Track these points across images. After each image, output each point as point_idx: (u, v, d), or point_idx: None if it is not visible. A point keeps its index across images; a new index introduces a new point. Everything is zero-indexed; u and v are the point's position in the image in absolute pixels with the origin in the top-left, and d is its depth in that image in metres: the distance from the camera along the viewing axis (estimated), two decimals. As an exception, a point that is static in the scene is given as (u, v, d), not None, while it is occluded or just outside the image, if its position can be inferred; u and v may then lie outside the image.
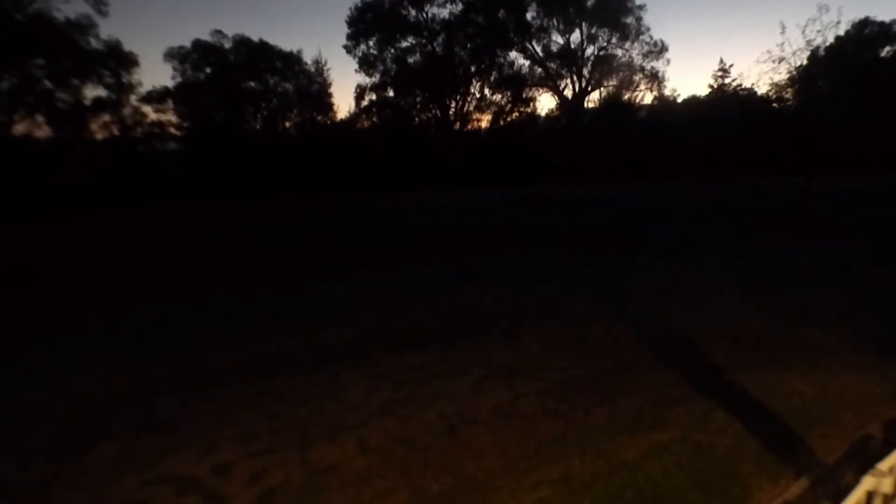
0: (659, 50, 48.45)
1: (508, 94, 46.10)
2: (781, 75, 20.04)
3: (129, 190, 37.78)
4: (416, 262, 13.33)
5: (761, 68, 45.60)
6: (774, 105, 21.95)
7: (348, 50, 45.30)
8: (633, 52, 48.51)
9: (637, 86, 48.69)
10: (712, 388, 6.21)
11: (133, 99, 38.18)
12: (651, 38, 50.05)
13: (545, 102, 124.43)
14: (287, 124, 43.10)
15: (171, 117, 40.24)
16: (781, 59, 19.31)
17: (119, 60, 36.16)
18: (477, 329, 8.13)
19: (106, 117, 37.22)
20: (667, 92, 50.66)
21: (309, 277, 11.93)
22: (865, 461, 4.73)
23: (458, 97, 45.73)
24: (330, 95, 43.34)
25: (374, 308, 9.35)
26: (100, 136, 37.62)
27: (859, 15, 53.39)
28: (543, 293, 9.95)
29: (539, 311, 8.97)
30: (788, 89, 20.19)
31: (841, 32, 23.19)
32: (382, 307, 9.41)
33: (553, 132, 47.67)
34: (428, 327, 8.22)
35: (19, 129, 34.17)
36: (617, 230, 17.85)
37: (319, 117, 43.27)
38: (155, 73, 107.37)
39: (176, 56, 40.68)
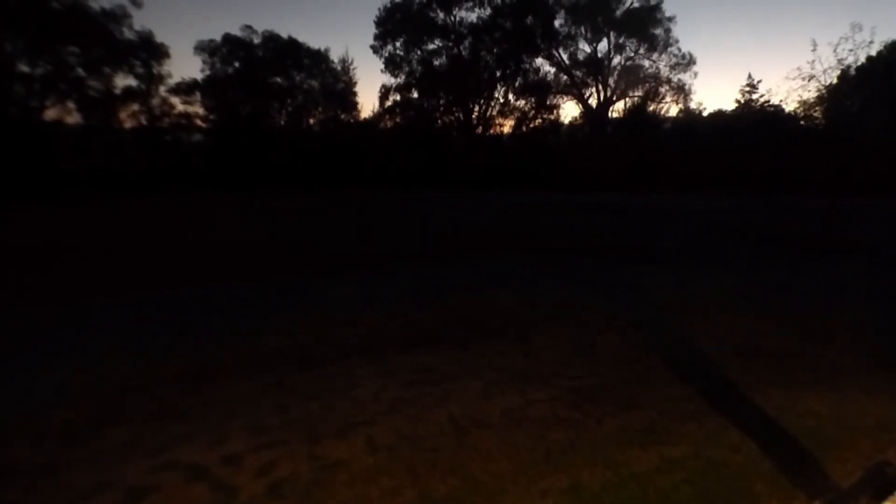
0: (687, 62, 48.05)
1: (532, 100, 45.96)
2: (811, 93, 19.78)
3: (153, 178, 38.29)
4: (433, 262, 13.22)
5: (790, 85, 45.10)
6: (802, 122, 21.65)
7: (375, 50, 45.54)
8: (661, 64, 48.32)
9: (663, 97, 48.34)
10: (726, 405, 6.07)
11: (162, 90, 38.92)
12: (679, 50, 49.68)
13: (569, 110, 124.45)
14: (311, 121, 43.53)
15: (198, 109, 41.03)
16: (811, 77, 19.07)
17: (150, 51, 36.64)
18: (490, 331, 8.05)
19: (135, 106, 37.94)
20: (692, 105, 50.30)
21: (325, 273, 11.87)
22: (881, 488, 4.62)
23: (482, 101, 45.64)
24: (355, 94, 43.87)
25: (388, 306, 9.32)
26: (128, 124, 38.40)
27: (893, 36, 52.51)
28: (558, 298, 9.80)
29: (553, 316, 8.85)
30: (817, 107, 19.91)
31: (873, 52, 22.83)
32: (396, 305, 9.37)
33: (575, 140, 47.41)
34: (441, 327, 8.13)
35: (50, 114, 34.77)
36: (635, 239, 17.60)
37: (343, 115, 43.57)
38: (184, 65, 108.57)
39: (206, 49, 41.14)
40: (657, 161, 46.73)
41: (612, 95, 48.32)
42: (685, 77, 56.85)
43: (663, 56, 47.92)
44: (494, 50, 44.99)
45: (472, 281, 11.17)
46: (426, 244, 16.01)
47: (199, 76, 42.47)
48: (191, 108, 40.77)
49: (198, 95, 40.99)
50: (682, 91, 49.10)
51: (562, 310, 9.14)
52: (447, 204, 28.63)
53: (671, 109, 49.83)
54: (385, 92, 44.84)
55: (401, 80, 44.56)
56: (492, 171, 44.53)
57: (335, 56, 49.22)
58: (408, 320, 8.52)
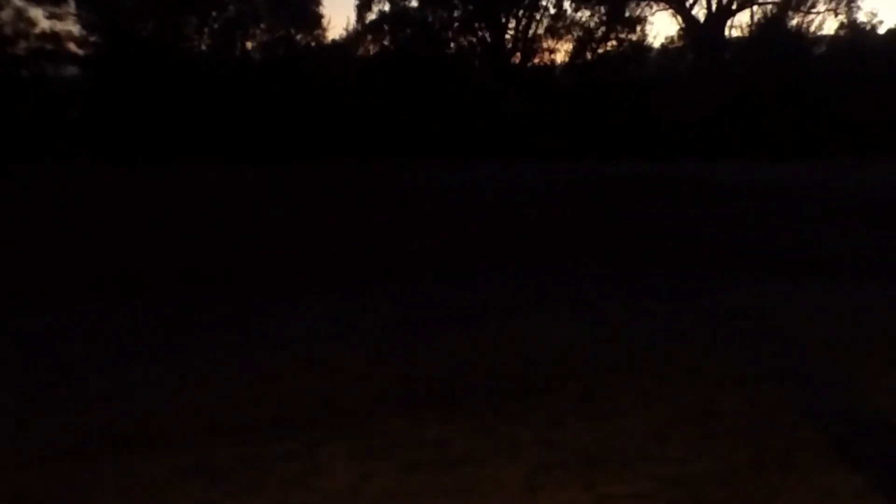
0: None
1: (601, 9, 30.70)
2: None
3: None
4: (443, 271, 9.99)
5: None
6: None
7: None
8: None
9: (813, 4, 31.77)
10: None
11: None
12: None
13: (660, 26, 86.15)
14: (249, 45, 29.57)
15: (71, 27, 27.59)
16: None
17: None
18: (534, 385, 5.63)
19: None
20: (861, 17, 32.90)
21: (273, 289, 8.95)
22: None
23: (521, 13, 30.37)
24: (317, 2, 28.91)
25: (373, 341, 6.76)
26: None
27: None
28: (644, 331, 6.81)
29: (638, 360, 6.16)
30: None
31: None
32: (387, 340, 6.74)
33: (672, 73, 32.06)
34: (458, 379, 5.78)
35: None
36: (767, 234, 12.91)
37: (300, 36, 29.40)
38: None
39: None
40: (806, 106, 30.41)
41: (729, 2, 31.53)
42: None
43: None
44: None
45: (507, 302, 8.05)
46: (436, 243, 11.90)
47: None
48: (60, 26, 27.40)
49: (71, 5, 27.26)
50: (843, -5, 31.84)
51: (651, 350, 6.36)
52: (468, 180, 22.05)
53: (826, 24, 32.91)
54: None
55: (390, -23, 29.33)
56: (536, 125, 29.71)
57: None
58: (406, 367, 6.12)
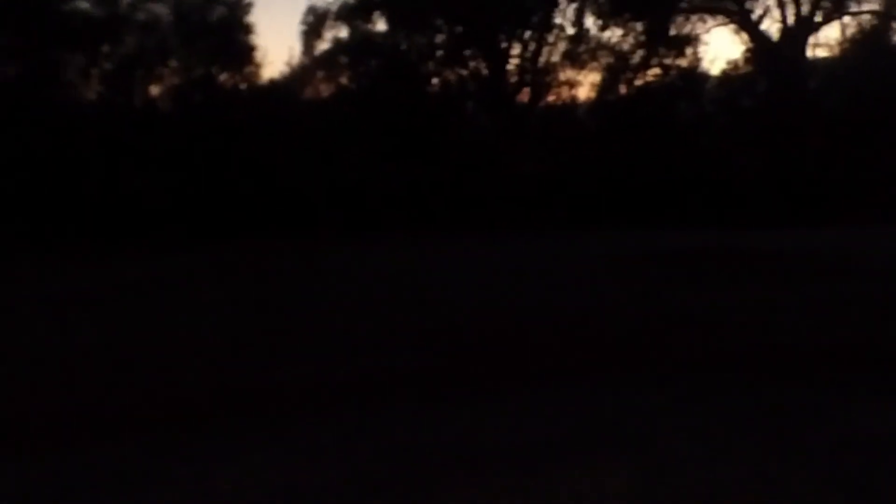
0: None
1: (638, 27, 23.08)
2: None
3: None
4: (435, 397, 7.83)
5: None
6: None
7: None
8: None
9: None
10: None
11: None
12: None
13: (718, 46, 67.77)
14: (154, 90, 22.20)
15: None
16: None
17: None
18: None
19: None
20: None
21: (161, 435, 6.81)
22: None
23: (529, 35, 22.91)
24: (249, 30, 21.96)
25: None
26: None
27: None
28: (729, 480, 5.27)
29: None
30: None
31: None
32: None
33: (737, 110, 23.91)
34: None
35: None
36: (877, 329, 10.47)
37: (224, 76, 21.76)
38: None
39: None
40: None
41: (812, 12, 23.88)
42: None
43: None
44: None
45: (532, 439, 6.31)
46: (424, 357, 9.55)
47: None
48: None
49: None
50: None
51: None
52: (460, 262, 17.53)
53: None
54: (316, 21, 22.65)
55: (348, -6, 22.19)
56: (552, 185, 22.64)
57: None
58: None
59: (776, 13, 24.43)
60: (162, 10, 21.17)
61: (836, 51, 24.18)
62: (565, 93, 23.61)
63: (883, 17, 23.75)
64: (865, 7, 24.21)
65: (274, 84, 22.15)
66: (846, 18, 24.35)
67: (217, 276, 17.18)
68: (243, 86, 21.59)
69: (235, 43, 21.39)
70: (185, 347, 10.61)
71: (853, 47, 23.71)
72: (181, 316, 12.79)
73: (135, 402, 7.76)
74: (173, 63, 21.32)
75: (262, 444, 6.47)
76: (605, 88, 23.31)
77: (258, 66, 21.86)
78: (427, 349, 10.04)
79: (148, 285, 15.66)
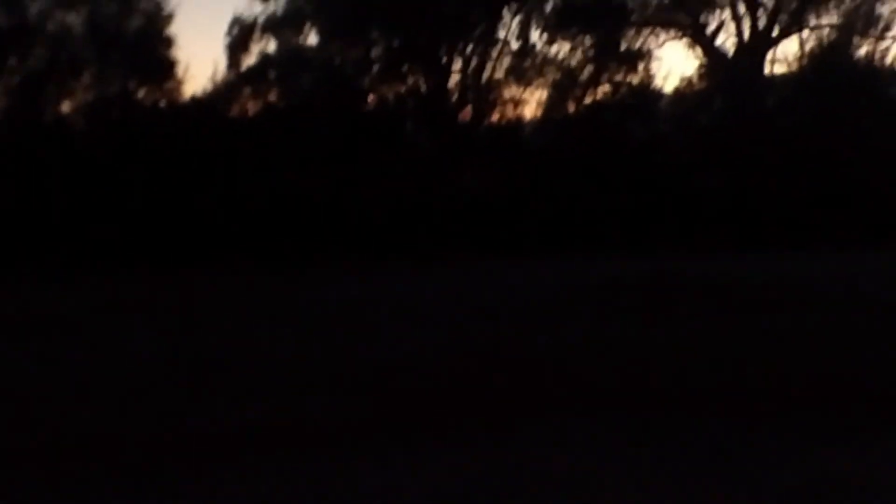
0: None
1: (586, 40, 21.94)
2: None
3: None
4: (363, 448, 7.16)
5: None
6: None
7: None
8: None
9: (888, 27, 23.58)
10: None
11: None
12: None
13: (672, 62, 65.15)
14: (65, 107, 20.75)
15: None
16: None
17: None
18: None
19: None
20: None
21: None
22: None
23: (470, 49, 21.69)
24: (169, 43, 20.74)
25: None
26: None
27: None
28: None
29: None
30: None
31: None
32: None
33: (692, 128, 22.94)
34: None
35: None
36: (855, 362, 10.21)
37: (143, 91, 20.35)
38: None
39: None
40: (882, 171, 22.16)
41: (769, 26, 22.98)
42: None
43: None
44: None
45: (467, 494, 5.62)
46: (346, 407, 8.69)
47: None
48: None
49: None
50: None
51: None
52: (403, 295, 16.47)
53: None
54: (242, 34, 21.23)
55: (277, 5, 21.03)
56: (495, 208, 21.22)
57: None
58: None
59: (731, 27, 23.30)
60: (74, 21, 19.78)
61: (795, 66, 23.31)
62: (510, 111, 22.33)
63: (843, 30, 22.96)
64: (825, 21, 23.36)
65: (196, 101, 20.80)
66: (805, 32, 23.42)
67: (136, 306, 15.44)
68: (162, 103, 20.25)
69: (154, 56, 20.01)
70: (79, 394, 9.19)
71: (812, 62, 22.85)
72: (107, 349, 11.39)
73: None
74: (88, 74, 19.95)
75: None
76: (552, 106, 22.18)
77: (180, 81, 20.45)
78: (349, 394, 9.03)
79: (45, 321, 14.39)
